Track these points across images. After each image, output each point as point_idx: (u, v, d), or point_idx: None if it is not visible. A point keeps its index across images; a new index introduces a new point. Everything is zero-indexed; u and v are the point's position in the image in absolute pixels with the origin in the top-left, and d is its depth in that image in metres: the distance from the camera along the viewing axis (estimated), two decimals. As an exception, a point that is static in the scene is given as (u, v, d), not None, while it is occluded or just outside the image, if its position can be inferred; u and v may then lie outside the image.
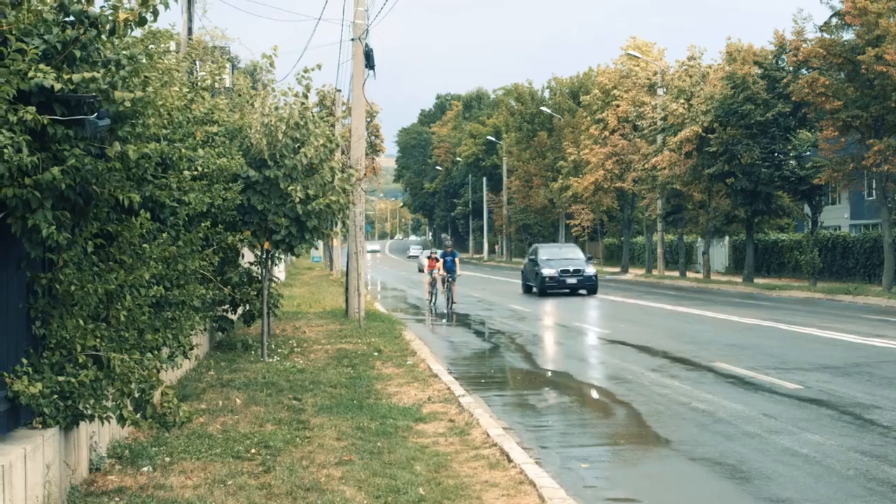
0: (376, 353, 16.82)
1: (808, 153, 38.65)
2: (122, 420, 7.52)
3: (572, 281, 35.20)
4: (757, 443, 9.76)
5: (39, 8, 6.49)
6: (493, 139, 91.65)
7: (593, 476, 8.69)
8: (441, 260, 30.19)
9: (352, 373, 14.38)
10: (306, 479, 7.98)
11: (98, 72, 6.51)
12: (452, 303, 29.37)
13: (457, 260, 30.11)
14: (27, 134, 6.07)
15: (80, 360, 7.14)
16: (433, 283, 30.65)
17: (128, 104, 6.67)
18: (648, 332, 21.16)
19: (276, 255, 16.40)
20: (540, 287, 35.49)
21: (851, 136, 33.86)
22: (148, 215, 8.08)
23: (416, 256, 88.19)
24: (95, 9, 6.62)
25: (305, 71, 15.56)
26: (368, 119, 45.60)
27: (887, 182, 33.22)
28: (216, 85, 16.74)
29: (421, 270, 53.00)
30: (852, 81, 32.14)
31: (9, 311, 6.71)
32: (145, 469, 8.23)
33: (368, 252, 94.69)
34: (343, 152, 24.95)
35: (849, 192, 45.34)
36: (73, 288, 7.13)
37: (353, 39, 24.19)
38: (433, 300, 30.74)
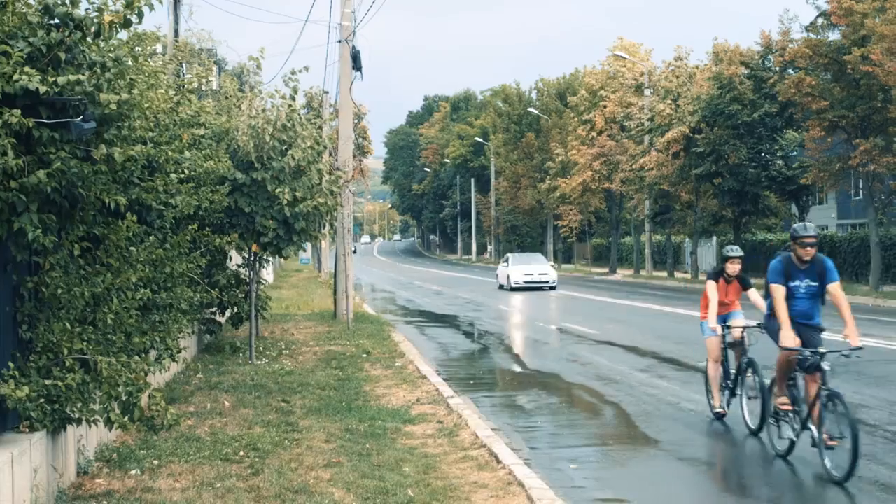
0: (365, 355, 16.79)
1: (794, 153, 38.81)
2: (109, 423, 7.49)
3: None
4: (745, 443, 9.78)
5: (24, 10, 6.46)
6: (480, 140, 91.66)
7: (582, 477, 8.70)
8: (781, 288, 9.49)
9: (340, 375, 14.36)
10: (295, 482, 7.97)
11: (83, 74, 6.49)
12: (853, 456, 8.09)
13: (835, 287, 9.44)
14: (12, 137, 6.06)
15: (68, 364, 7.11)
16: (738, 353, 10.88)
17: (113, 107, 6.66)
18: (637, 333, 21.19)
19: (264, 257, 16.35)
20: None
21: (838, 136, 34.00)
22: (135, 218, 8.05)
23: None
24: (80, 11, 6.60)
25: (293, 73, 15.53)
26: (356, 120, 45.53)
27: (874, 182, 33.38)
28: (203, 87, 16.72)
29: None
30: (838, 81, 32.28)
31: (-5, 314, 6.67)
32: (133, 472, 8.20)
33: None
34: (331, 154, 24.93)
35: (836, 192, 45.51)
36: (59, 291, 7.10)
37: (339, 41, 24.17)
38: (730, 401, 10.93)
